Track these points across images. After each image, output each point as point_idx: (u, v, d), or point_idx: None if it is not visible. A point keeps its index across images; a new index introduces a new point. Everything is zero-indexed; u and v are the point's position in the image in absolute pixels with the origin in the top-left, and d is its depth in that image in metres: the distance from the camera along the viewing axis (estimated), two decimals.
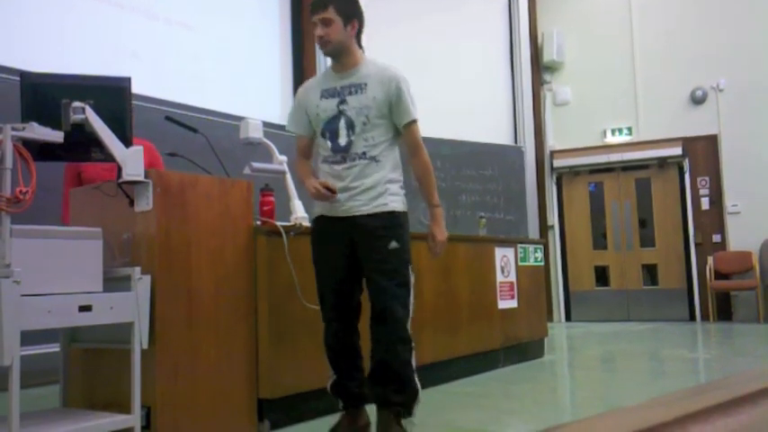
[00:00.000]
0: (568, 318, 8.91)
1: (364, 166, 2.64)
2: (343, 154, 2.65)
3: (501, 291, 4.67)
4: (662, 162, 8.59)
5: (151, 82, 5.38)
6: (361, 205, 2.64)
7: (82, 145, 2.50)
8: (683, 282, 8.40)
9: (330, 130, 2.67)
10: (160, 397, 2.52)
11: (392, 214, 2.66)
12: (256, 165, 3.32)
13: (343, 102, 2.67)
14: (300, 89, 2.86)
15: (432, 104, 8.00)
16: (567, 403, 3.82)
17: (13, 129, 2.24)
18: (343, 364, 2.77)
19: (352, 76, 2.69)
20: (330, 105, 2.68)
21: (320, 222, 2.74)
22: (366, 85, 2.66)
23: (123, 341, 2.48)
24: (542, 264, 5.30)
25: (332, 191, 2.61)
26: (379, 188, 2.65)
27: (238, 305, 2.86)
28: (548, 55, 8.97)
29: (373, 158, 2.64)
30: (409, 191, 2.83)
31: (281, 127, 6.55)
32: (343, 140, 2.65)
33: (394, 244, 2.63)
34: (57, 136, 2.36)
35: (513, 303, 4.78)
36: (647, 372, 4.72)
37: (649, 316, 8.43)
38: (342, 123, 2.65)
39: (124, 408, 2.46)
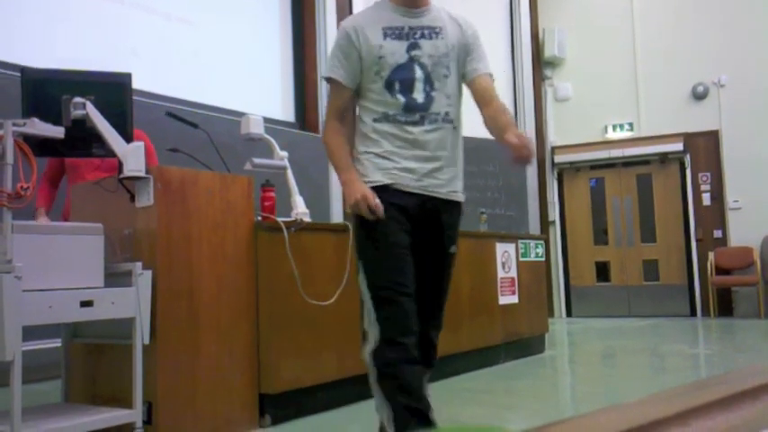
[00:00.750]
0: (569, 313, 8.92)
1: (446, 133, 2.11)
2: (421, 113, 2.07)
3: (502, 286, 4.67)
4: (663, 158, 8.58)
5: (152, 78, 5.38)
6: (439, 186, 2.11)
7: (82, 140, 2.51)
8: (684, 277, 8.40)
9: (401, 80, 2.06)
10: (161, 392, 2.53)
11: (460, 207, 2.22)
12: (257, 160, 3.32)
13: (414, 46, 2.08)
14: (348, 25, 2.14)
15: None
16: (568, 399, 3.83)
17: (14, 124, 2.24)
18: (419, 388, 2.05)
19: (423, 16, 2.13)
20: (398, 48, 2.07)
21: (386, 193, 2.06)
22: (442, 29, 2.13)
23: (124, 336, 2.48)
24: (543, 259, 5.30)
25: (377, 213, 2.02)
26: (456, 169, 2.17)
27: (239, 300, 2.87)
28: (549, 51, 8.95)
29: (451, 123, 2.13)
30: None
31: (282, 123, 6.57)
32: (420, 96, 2.07)
33: (454, 248, 2.19)
34: (57, 131, 2.36)
35: (513, 299, 4.78)
36: (647, 367, 4.73)
37: (650, 311, 8.43)
38: (418, 73, 2.07)
39: (125, 403, 2.47)
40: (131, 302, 2.43)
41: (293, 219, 3.20)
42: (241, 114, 3.59)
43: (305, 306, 3.09)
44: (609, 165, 8.87)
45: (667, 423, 0.42)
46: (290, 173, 3.45)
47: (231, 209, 2.87)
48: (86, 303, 2.29)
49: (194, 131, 3.30)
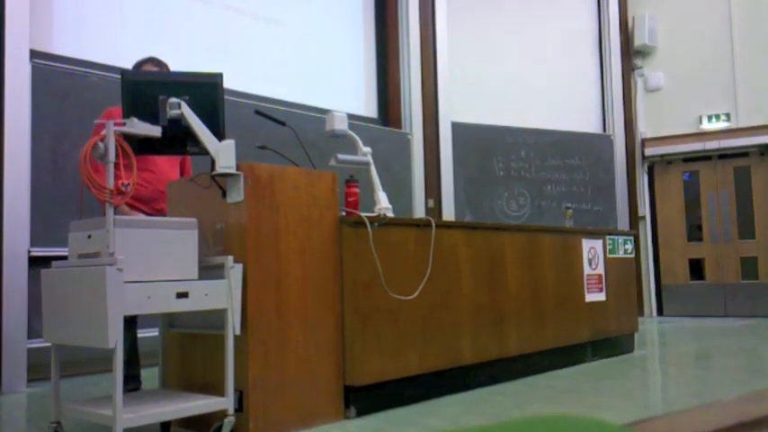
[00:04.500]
0: (660, 312, 8.59)
1: None
2: None
3: (588, 283, 4.55)
4: (763, 150, 8.11)
5: (241, 77, 5.55)
6: None
7: (178, 139, 2.62)
8: None
9: None
10: (251, 381, 2.62)
11: None
12: (341, 156, 3.38)
13: None
14: None
15: (517, 92, 7.89)
16: (659, 400, 3.70)
17: (116, 124, 2.37)
18: None
19: None
20: None
21: None
22: None
23: (217, 327, 2.58)
24: (632, 256, 5.13)
25: None
26: None
27: (325, 293, 2.93)
28: (639, 39, 8.63)
29: None
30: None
31: (365, 119, 6.63)
32: None
33: None
34: (155, 130, 2.48)
35: (601, 296, 4.65)
36: (744, 369, 4.50)
37: (748, 311, 8.01)
38: None
39: (218, 390, 2.57)
40: (224, 294, 2.52)
41: (377, 214, 3.23)
42: (326, 111, 3.66)
43: (388, 300, 3.12)
44: (704, 157, 8.47)
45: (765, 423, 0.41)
46: (373, 168, 3.49)
47: (317, 204, 2.93)
48: (182, 294, 2.40)
49: (281, 128, 3.39)
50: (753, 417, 0.40)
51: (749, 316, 7.91)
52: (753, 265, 8.19)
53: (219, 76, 2.73)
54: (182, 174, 3.57)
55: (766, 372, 4.39)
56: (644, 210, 8.70)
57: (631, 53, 8.81)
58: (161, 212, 3.31)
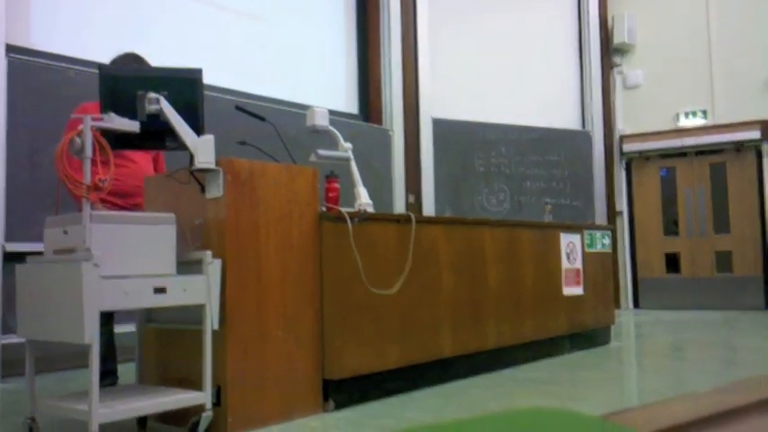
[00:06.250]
0: (636, 305, 8.70)
1: None
2: None
3: (566, 277, 4.59)
4: (738, 146, 8.24)
5: (221, 72, 5.51)
6: None
7: (156, 134, 2.60)
8: (759, 269, 8.06)
9: None
10: (230, 376, 2.61)
11: None
12: (322, 152, 3.37)
13: None
14: None
15: (498, 89, 7.92)
16: (635, 390, 3.75)
17: (93, 119, 2.34)
18: None
19: None
20: None
21: None
22: None
23: (195, 322, 2.57)
24: (610, 250, 5.19)
25: None
26: None
27: (305, 288, 2.92)
28: (618, 37, 8.71)
29: None
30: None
31: (347, 115, 6.62)
32: None
33: None
34: (133, 126, 2.46)
35: (578, 290, 4.70)
36: (718, 361, 4.57)
37: (722, 304, 8.14)
38: None
39: (196, 385, 2.56)
40: (202, 290, 2.51)
41: (357, 209, 3.23)
42: (306, 107, 3.65)
43: (368, 295, 3.13)
44: (681, 154, 8.58)
45: (747, 412, 0.41)
46: (353, 164, 3.48)
47: (297, 199, 2.92)
48: (160, 290, 2.38)
49: (262, 124, 3.37)
50: (727, 407, 0.41)
51: (724, 309, 8.04)
52: (727, 259, 8.32)
53: (199, 71, 2.70)
54: (155, 168, 3.53)
55: (740, 363, 4.46)
56: (621, 205, 8.79)
57: (611, 51, 8.88)
58: (138, 207, 3.27)
